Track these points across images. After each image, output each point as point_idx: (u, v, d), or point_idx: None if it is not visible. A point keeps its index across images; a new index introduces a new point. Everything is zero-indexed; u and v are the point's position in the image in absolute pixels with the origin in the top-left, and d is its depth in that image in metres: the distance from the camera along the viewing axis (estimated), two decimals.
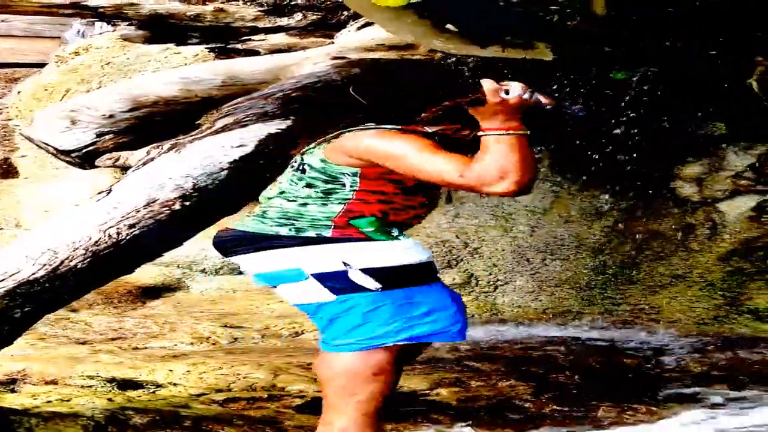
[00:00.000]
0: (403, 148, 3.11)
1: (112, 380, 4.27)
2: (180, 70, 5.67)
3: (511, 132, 3.01)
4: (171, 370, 4.39)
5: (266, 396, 4.09)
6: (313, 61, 5.00)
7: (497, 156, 2.99)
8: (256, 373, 4.39)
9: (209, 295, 6.69)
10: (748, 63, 4.43)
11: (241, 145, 4.13)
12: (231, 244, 3.27)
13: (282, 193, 3.25)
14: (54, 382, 4.25)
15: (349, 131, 3.22)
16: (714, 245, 5.43)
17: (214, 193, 3.92)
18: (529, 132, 3.03)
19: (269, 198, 3.28)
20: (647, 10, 3.84)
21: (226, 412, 3.82)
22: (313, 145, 3.26)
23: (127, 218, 3.72)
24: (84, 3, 5.89)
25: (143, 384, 4.26)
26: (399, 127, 3.22)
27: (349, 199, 3.18)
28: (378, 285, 3.13)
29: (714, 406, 4.05)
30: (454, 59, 4.52)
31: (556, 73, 4.37)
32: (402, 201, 3.23)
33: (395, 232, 3.24)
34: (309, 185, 3.21)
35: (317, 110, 4.44)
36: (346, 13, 5.53)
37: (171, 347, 5.15)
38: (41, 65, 10.95)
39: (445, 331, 3.22)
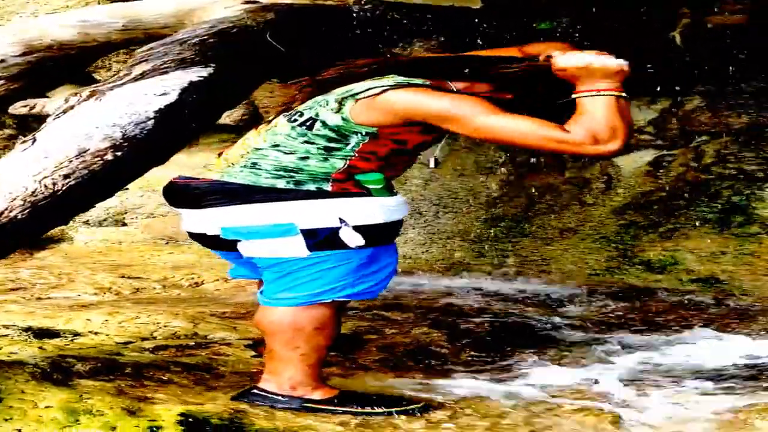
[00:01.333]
0: (468, 109, 3.18)
1: (27, 329, 4.22)
2: (77, 13, 5.58)
3: (620, 93, 3.13)
4: (88, 320, 4.38)
5: (193, 344, 4.13)
6: (223, 5, 4.95)
7: (609, 115, 3.09)
8: (174, 322, 4.42)
9: (95, 246, 6.67)
10: (671, 15, 4.56)
11: (164, 93, 4.07)
12: (208, 195, 3.29)
13: (276, 146, 3.28)
14: None
15: (387, 87, 3.23)
16: (608, 199, 5.63)
17: (143, 143, 3.87)
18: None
19: (258, 149, 3.30)
20: None
21: (161, 359, 3.84)
22: (329, 99, 3.28)
23: (61, 168, 3.68)
24: None
25: (61, 333, 4.22)
26: (429, 83, 3.28)
27: (351, 156, 3.25)
28: (362, 242, 3.23)
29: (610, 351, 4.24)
30: (369, 5, 4.55)
31: (483, 21, 4.46)
32: (394, 159, 3.32)
33: (393, 188, 3.35)
34: (309, 141, 3.26)
35: (237, 57, 4.46)
36: None
37: (76, 297, 5.12)
38: None
39: (374, 290, 3.38)
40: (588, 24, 4.58)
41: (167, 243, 6.60)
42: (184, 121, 4.07)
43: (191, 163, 5.44)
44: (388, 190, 3.34)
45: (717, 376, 3.89)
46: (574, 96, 3.16)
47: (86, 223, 6.88)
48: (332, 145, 3.25)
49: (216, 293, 5.35)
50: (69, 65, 5.46)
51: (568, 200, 5.61)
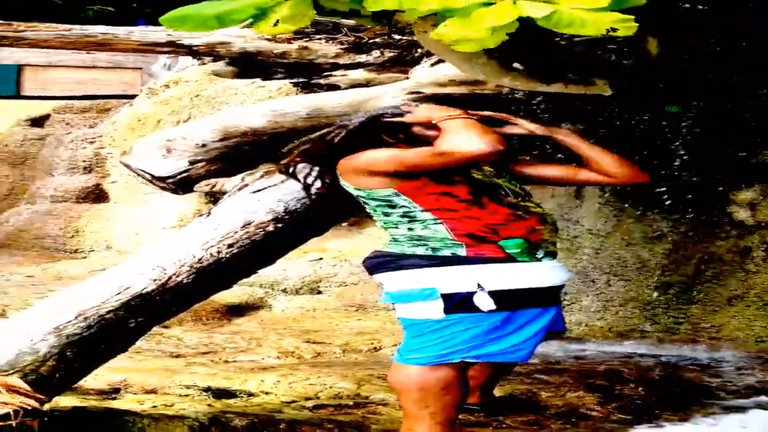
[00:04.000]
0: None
1: (207, 389, 4.60)
2: (268, 104, 6.04)
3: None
4: (262, 380, 4.72)
5: (352, 403, 4.41)
6: (390, 95, 5.34)
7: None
8: (341, 383, 4.70)
9: (290, 313, 7.05)
10: None
11: None
12: (377, 263, 3.60)
13: (386, 225, 3.61)
14: (154, 391, 4.58)
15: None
16: None
17: (302, 216, 4.24)
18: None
19: (384, 223, 3.63)
20: (696, 49, 4.06)
21: (317, 416, 4.13)
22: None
23: (227, 238, 4.08)
24: (180, 42, 6.33)
25: (237, 393, 4.58)
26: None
27: (433, 218, 3.50)
28: (493, 306, 3.41)
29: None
30: (521, 94, 4.79)
31: (614, 107, 4.66)
32: (484, 214, 3.51)
33: (540, 254, 3.51)
34: (385, 214, 3.58)
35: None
36: (420, 50, 5.86)
37: (259, 360, 5.49)
38: (126, 96, 11.46)
39: (508, 353, 3.50)
40: (717, 106, 4.68)
41: (357, 310, 6.94)
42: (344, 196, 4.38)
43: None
44: (531, 256, 3.50)
45: None
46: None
47: (284, 291, 7.32)
48: (397, 211, 3.55)
49: (391, 357, 5.61)
50: (262, 149, 5.91)
51: (731, 268, 5.65)
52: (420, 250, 3.50)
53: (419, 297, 3.48)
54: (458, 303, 3.44)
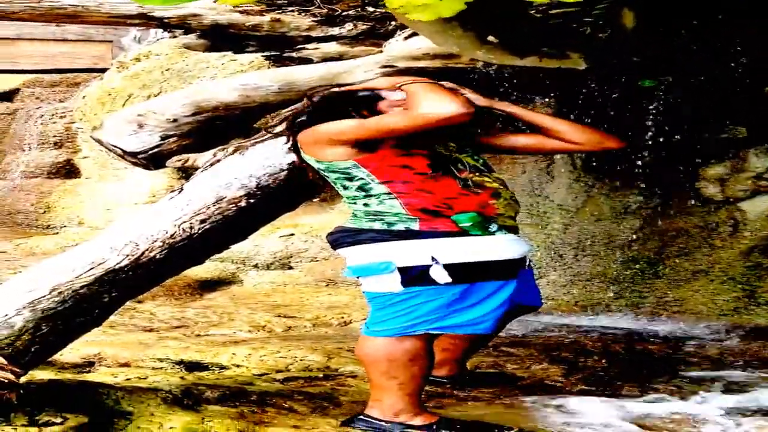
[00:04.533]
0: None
1: (180, 362, 4.65)
2: (239, 77, 6.04)
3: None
4: (234, 354, 4.78)
5: (322, 376, 4.48)
6: (363, 69, 5.35)
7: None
8: (311, 356, 4.77)
9: (262, 288, 7.11)
10: (766, 72, 4.70)
11: None
12: (338, 238, 3.69)
13: (347, 200, 3.67)
14: (127, 365, 4.62)
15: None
16: (735, 242, 5.71)
17: (274, 192, 4.27)
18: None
19: (345, 198, 3.70)
20: (672, 24, 4.10)
21: (287, 389, 4.20)
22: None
23: (199, 214, 4.10)
24: (151, 14, 6.32)
25: (209, 366, 4.64)
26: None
27: (387, 192, 3.57)
28: (449, 279, 3.49)
29: (729, 386, 4.36)
30: (494, 67, 4.84)
31: (588, 80, 4.71)
32: (430, 184, 3.57)
33: (493, 228, 3.58)
34: (344, 187, 3.65)
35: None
36: (393, 23, 5.85)
37: (231, 334, 5.55)
38: (96, 70, 11.42)
39: (470, 324, 3.58)
40: (691, 81, 4.73)
41: (327, 285, 7.00)
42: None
43: None
44: (483, 229, 3.57)
45: None
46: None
47: (255, 266, 7.37)
48: (354, 183, 3.62)
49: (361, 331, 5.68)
50: (234, 123, 5.94)
51: (698, 244, 5.73)
52: (376, 225, 3.58)
53: (377, 270, 3.57)
54: (415, 276, 3.52)
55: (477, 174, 3.64)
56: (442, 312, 3.54)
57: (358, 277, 3.68)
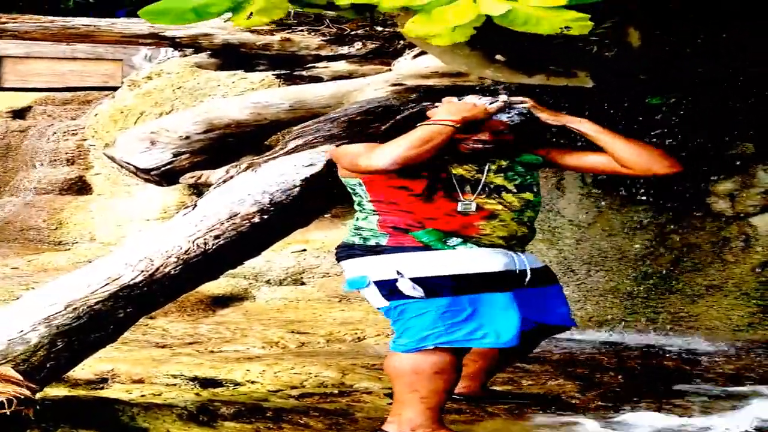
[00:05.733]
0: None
1: (194, 379, 4.65)
2: (251, 95, 6.08)
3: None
4: (248, 370, 4.78)
5: (337, 392, 4.48)
6: (373, 87, 5.37)
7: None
8: (325, 372, 4.77)
9: (274, 304, 7.10)
10: None
11: (311, 165, 4.50)
12: (336, 252, 3.83)
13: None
14: (141, 381, 4.62)
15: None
16: (747, 257, 5.70)
17: (288, 208, 4.31)
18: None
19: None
20: (678, 43, 4.12)
21: (303, 405, 4.20)
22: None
23: (213, 230, 4.12)
24: (162, 33, 6.37)
25: (223, 382, 4.64)
26: None
27: (372, 210, 3.68)
28: (421, 293, 3.55)
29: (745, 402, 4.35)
30: (502, 86, 4.86)
31: (595, 98, 4.72)
32: (417, 206, 3.65)
33: (453, 242, 3.63)
34: (355, 202, 3.79)
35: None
36: (402, 42, 5.92)
37: (244, 351, 5.54)
38: (107, 88, 11.46)
39: (476, 337, 3.60)
40: (698, 98, 4.75)
41: (340, 300, 7.01)
42: (328, 188, 4.43)
43: None
44: (443, 244, 3.63)
45: None
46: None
47: (268, 282, 7.38)
48: (357, 200, 3.77)
49: (375, 347, 5.69)
50: (245, 141, 5.97)
51: (710, 259, 5.73)
52: (356, 240, 3.73)
53: (358, 284, 3.72)
54: (391, 290, 3.61)
55: (485, 196, 3.70)
56: (441, 326, 3.57)
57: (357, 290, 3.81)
